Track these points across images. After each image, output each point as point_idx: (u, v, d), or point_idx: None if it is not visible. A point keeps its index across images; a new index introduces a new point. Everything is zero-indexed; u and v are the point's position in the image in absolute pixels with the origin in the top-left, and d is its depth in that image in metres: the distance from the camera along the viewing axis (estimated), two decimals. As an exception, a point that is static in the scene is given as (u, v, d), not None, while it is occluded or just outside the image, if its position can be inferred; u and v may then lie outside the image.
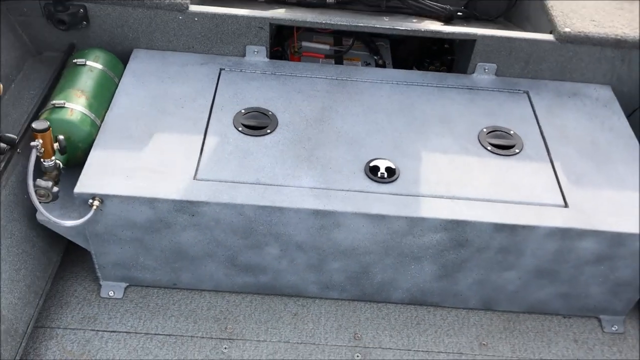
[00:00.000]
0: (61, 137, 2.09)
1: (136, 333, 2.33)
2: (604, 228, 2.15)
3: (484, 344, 2.42)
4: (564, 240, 2.18)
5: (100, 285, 2.45)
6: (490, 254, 2.24)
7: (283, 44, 2.97)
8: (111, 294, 2.43)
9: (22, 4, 2.59)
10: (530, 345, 2.43)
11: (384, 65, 2.97)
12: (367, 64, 2.96)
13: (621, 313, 2.50)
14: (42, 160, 2.06)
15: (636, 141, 2.50)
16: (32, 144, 1.99)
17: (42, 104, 2.35)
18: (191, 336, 2.34)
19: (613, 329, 2.50)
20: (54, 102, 2.25)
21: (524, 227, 2.13)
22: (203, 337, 2.34)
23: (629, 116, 2.74)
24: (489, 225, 2.14)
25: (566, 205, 2.21)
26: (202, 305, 2.43)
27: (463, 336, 2.43)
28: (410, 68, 3.06)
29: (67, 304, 2.40)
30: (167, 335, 2.33)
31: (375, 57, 3.00)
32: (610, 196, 2.26)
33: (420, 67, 3.08)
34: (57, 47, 2.71)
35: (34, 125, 1.99)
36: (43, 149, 2.02)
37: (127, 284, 2.45)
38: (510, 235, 2.16)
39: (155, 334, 2.33)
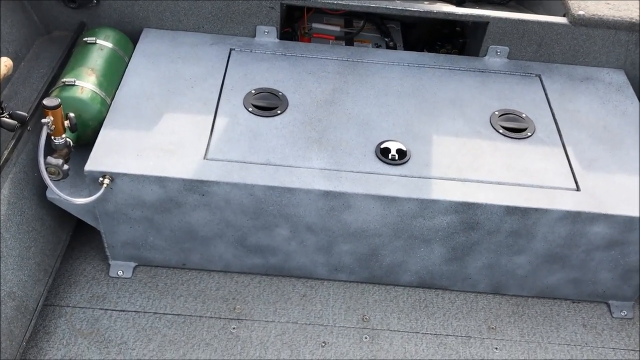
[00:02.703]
0: (72, 114, 2.08)
1: (145, 312, 2.33)
2: (615, 212, 2.13)
3: (492, 328, 2.41)
4: (575, 224, 2.16)
5: (109, 265, 2.45)
6: (500, 237, 2.23)
7: (293, 25, 2.95)
8: (120, 273, 2.43)
9: (32, -19, 2.58)
10: (538, 329, 2.43)
11: (394, 48, 2.95)
12: (378, 46, 2.94)
13: (630, 298, 2.50)
14: (52, 137, 2.05)
15: (649, 126, 2.49)
16: (43, 121, 1.98)
17: (53, 82, 2.35)
18: (200, 316, 2.34)
19: (622, 314, 2.50)
20: (64, 80, 2.24)
21: (535, 210, 2.12)
22: (212, 317, 2.34)
23: (642, 101, 2.72)
24: (500, 208, 2.13)
25: (578, 189, 2.20)
26: (211, 286, 2.44)
27: (471, 319, 2.43)
28: (422, 51, 3.04)
29: (76, 283, 2.40)
30: (175, 315, 2.34)
31: (386, 40, 2.98)
32: (622, 180, 2.24)
33: (432, 50, 3.06)
34: (66, 26, 2.70)
35: (44, 102, 1.98)
36: (54, 126, 2.01)
37: (136, 264, 2.46)
38: (522, 218, 2.15)
39: (164, 314, 2.33)
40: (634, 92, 2.63)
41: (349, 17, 3.08)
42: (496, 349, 2.35)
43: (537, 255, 2.30)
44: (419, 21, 3.13)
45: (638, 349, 2.40)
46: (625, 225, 2.16)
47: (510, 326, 2.43)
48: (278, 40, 2.71)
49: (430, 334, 2.37)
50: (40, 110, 2.15)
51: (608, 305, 2.52)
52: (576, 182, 2.22)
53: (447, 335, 2.37)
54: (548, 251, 2.28)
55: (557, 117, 2.47)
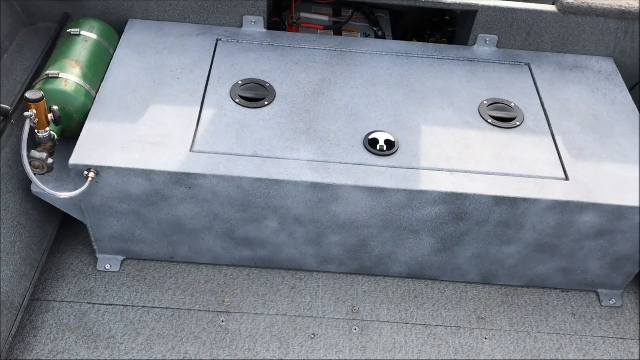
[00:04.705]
0: (55, 107, 2.05)
1: (133, 306, 2.32)
2: (604, 201, 2.13)
3: (482, 318, 2.41)
4: (564, 213, 2.16)
5: (96, 259, 2.43)
6: (489, 227, 2.22)
7: (281, 14, 2.92)
8: (108, 267, 2.42)
9: (14, -28, 2.54)
10: (528, 318, 2.43)
11: (383, 37, 2.92)
12: (367, 36, 2.92)
13: (619, 287, 2.50)
14: (36, 131, 2.03)
15: (638, 114, 2.47)
16: (26, 114, 1.96)
17: (36, 75, 2.31)
18: (188, 309, 2.33)
19: (611, 302, 2.50)
20: (48, 72, 2.21)
21: (524, 200, 2.11)
22: (200, 310, 2.33)
23: (631, 89, 2.71)
24: (488, 198, 2.12)
25: (567, 179, 2.19)
26: (200, 279, 2.42)
27: (461, 310, 2.43)
28: (411, 40, 3.01)
29: (63, 277, 2.38)
30: (164, 308, 2.32)
31: (375, 29, 2.95)
32: (611, 169, 2.24)
33: (421, 39, 3.04)
34: (50, 17, 2.66)
35: (27, 95, 1.95)
36: (37, 119, 1.98)
37: (124, 257, 2.44)
38: (510, 208, 2.14)
39: (153, 307, 2.32)
40: (622, 81, 2.62)
41: (338, 6, 3.05)
42: (486, 338, 2.35)
43: (527, 245, 2.30)
44: (408, 10, 3.10)
45: (637, 338, 2.41)
46: (614, 214, 2.16)
47: (500, 316, 2.43)
48: (265, 30, 2.68)
49: (420, 324, 2.37)
50: (24, 103, 2.12)
51: (597, 294, 2.53)
52: (565, 172, 2.21)
53: (436, 325, 2.37)
54: (537, 241, 2.28)
55: (546, 106, 2.46)
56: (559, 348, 2.35)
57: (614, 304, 2.50)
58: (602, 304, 2.50)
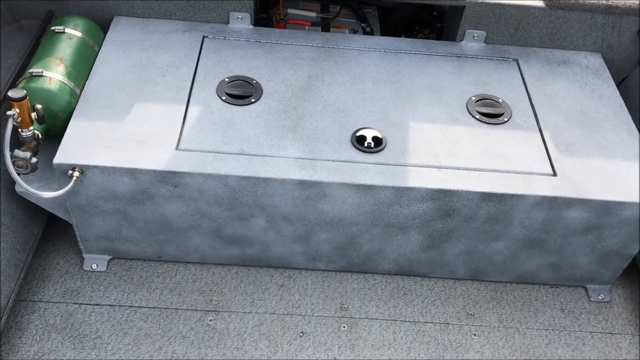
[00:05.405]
0: (39, 106, 2.03)
1: (120, 306, 2.30)
2: (592, 197, 2.13)
3: (470, 314, 2.41)
4: (552, 209, 2.16)
5: (83, 258, 2.41)
6: (477, 223, 2.22)
7: (268, 11, 2.90)
8: (94, 266, 2.40)
9: (-3, -32, 2.51)
10: (517, 314, 2.43)
11: (371, 33, 2.91)
12: (355, 32, 2.90)
13: (607, 282, 2.51)
14: (19, 130, 2.00)
15: (626, 110, 2.48)
16: (9, 113, 1.93)
17: (20, 73, 2.28)
18: (176, 309, 2.31)
19: (599, 297, 2.51)
20: (31, 70, 2.18)
21: (511, 196, 2.11)
22: (188, 310, 2.31)
23: (618, 84, 2.71)
24: (476, 195, 2.11)
25: (554, 174, 2.19)
26: (187, 278, 2.41)
27: (450, 306, 2.43)
28: (399, 36, 3.00)
29: (49, 277, 2.36)
30: (151, 308, 2.31)
31: (363, 25, 2.94)
32: (599, 165, 2.24)
33: (409, 35, 3.03)
34: (34, 15, 2.63)
35: (9, 94, 1.92)
36: (20, 118, 1.96)
37: (111, 257, 2.42)
38: (498, 204, 2.14)
39: (140, 307, 2.30)
40: (610, 76, 2.62)
41: (325, 2, 3.03)
42: (475, 335, 2.35)
43: (515, 240, 2.30)
44: (396, 5, 3.09)
45: (625, 333, 2.41)
46: (602, 210, 2.16)
47: (489, 312, 2.43)
48: (252, 26, 2.66)
49: (409, 321, 2.36)
50: (7, 102, 2.09)
51: (586, 289, 2.53)
52: (553, 167, 2.21)
53: (425, 322, 2.37)
54: (525, 236, 2.28)
55: (534, 101, 2.46)
56: (547, 343, 2.35)
57: (603, 299, 2.51)
58: (591, 299, 2.51)
